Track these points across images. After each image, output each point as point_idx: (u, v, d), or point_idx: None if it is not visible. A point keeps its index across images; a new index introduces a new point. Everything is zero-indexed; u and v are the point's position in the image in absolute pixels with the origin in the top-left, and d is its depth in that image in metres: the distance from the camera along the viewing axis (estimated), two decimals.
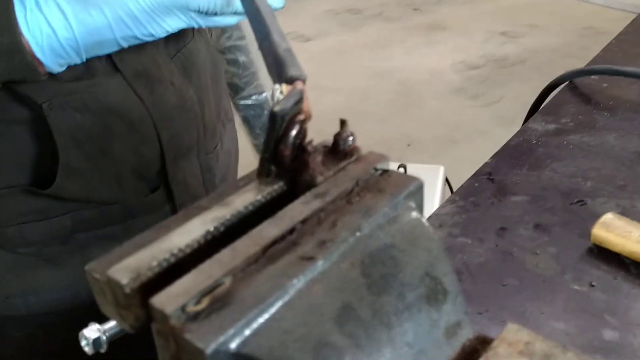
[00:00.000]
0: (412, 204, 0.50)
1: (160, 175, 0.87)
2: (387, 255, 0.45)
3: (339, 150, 0.53)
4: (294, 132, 0.47)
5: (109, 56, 0.76)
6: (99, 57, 0.75)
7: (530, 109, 1.34)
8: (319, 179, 0.50)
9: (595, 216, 0.84)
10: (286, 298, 0.40)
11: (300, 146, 0.49)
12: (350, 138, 0.53)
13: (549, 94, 1.31)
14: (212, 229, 0.45)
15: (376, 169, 0.52)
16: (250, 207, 0.48)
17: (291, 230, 0.45)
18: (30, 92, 0.71)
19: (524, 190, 0.96)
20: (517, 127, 3.17)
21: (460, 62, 4.32)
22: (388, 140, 3.36)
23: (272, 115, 0.45)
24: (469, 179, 1.00)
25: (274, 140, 0.47)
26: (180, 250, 0.44)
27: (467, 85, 3.99)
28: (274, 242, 0.44)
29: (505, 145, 1.09)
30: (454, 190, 2.44)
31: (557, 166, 1.01)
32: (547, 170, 1.01)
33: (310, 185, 0.50)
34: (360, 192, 0.50)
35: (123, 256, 0.44)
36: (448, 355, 0.44)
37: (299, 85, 0.55)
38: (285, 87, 0.51)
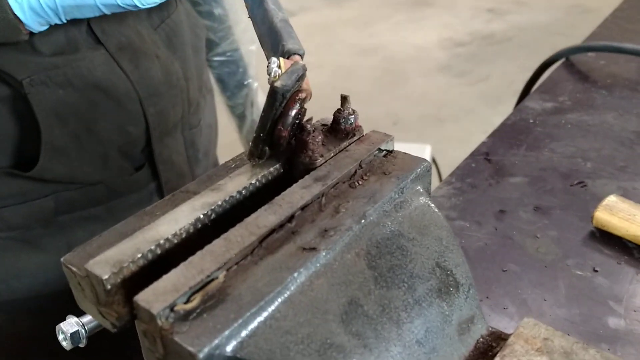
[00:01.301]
0: (420, 188, 0.46)
1: (145, 153, 0.83)
2: (395, 245, 0.41)
3: (339, 129, 0.48)
4: (294, 112, 0.43)
5: (89, 27, 0.73)
6: (79, 28, 0.71)
7: (525, 86, 1.31)
8: (319, 160, 0.46)
9: (597, 198, 0.81)
10: (286, 294, 0.36)
11: (299, 125, 0.45)
12: (352, 116, 0.49)
13: (544, 72, 1.28)
14: (202, 216, 0.41)
15: (380, 150, 0.48)
16: (244, 192, 0.44)
17: (290, 218, 0.41)
18: (10, 68, 0.67)
19: (523, 171, 0.93)
20: (504, 106, 3.13)
21: (446, 39, 4.26)
22: (373, 119, 3.31)
23: (273, 92, 0.41)
24: (465, 160, 0.96)
25: (271, 119, 0.43)
26: (167, 240, 0.39)
27: (454, 63, 3.94)
28: (272, 231, 0.40)
29: (501, 124, 1.06)
30: (442, 169, 2.42)
31: (556, 146, 0.98)
32: (545, 150, 0.97)
33: (309, 167, 0.46)
34: (363, 175, 0.46)
35: (103, 247, 0.40)
36: (461, 354, 0.41)
37: (298, 60, 0.51)
38: (283, 61, 0.47)
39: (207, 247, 0.38)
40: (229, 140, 1.39)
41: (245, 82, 1.25)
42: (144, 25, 0.81)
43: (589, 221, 0.81)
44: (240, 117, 1.30)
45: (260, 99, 1.28)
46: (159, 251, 0.39)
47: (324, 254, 0.39)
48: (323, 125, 0.50)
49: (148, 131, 0.82)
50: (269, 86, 0.49)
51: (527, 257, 0.78)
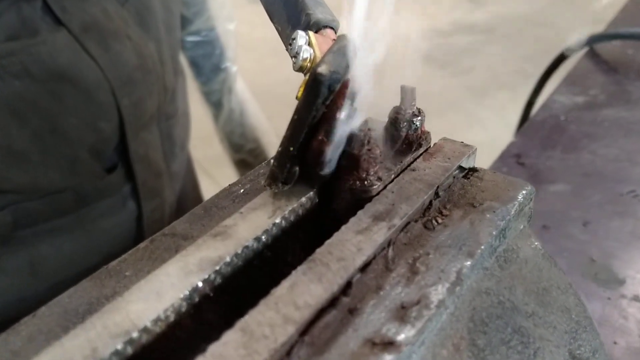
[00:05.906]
0: (526, 228, 0.31)
1: (118, 151, 0.69)
2: (510, 327, 0.26)
3: (398, 136, 0.33)
4: (343, 114, 0.27)
5: (46, 4, 0.60)
6: (32, 6, 0.58)
7: (541, 77, 1.17)
8: (376, 186, 0.30)
9: None
10: None
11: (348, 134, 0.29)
12: (418, 118, 0.33)
13: (563, 62, 1.14)
14: (200, 283, 0.25)
15: (462, 168, 0.33)
16: (264, 239, 0.28)
17: (344, 288, 0.25)
18: None
19: (563, 178, 0.79)
20: (489, 99, 3.02)
21: (428, 29, 4.13)
22: None
23: (316, 82, 0.25)
24: (494, 163, 0.82)
25: (308, 125, 0.27)
26: (144, 330, 0.23)
27: (435, 54, 3.81)
28: (319, 313, 0.24)
29: (530, 121, 0.92)
30: None
31: (596, 147, 0.84)
32: (585, 152, 0.83)
33: (361, 197, 0.30)
34: (442, 207, 0.30)
35: (37, 339, 0.24)
36: None
37: (332, 34, 0.35)
38: (314, 37, 0.31)
39: (213, 348, 0.22)
40: (205, 134, 1.22)
41: (222, 66, 1.08)
42: (110, 0, 0.66)
43: None
44: (216, 105, 1.12)
45: (240, 85, 1.11)
46: (130, 351, 0.23)
47: (406, 351, 0.23)
48: (370, 129, 0.34)
49: (122, 126, 0.69)
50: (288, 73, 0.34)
51: (585, 286, 0.64)
